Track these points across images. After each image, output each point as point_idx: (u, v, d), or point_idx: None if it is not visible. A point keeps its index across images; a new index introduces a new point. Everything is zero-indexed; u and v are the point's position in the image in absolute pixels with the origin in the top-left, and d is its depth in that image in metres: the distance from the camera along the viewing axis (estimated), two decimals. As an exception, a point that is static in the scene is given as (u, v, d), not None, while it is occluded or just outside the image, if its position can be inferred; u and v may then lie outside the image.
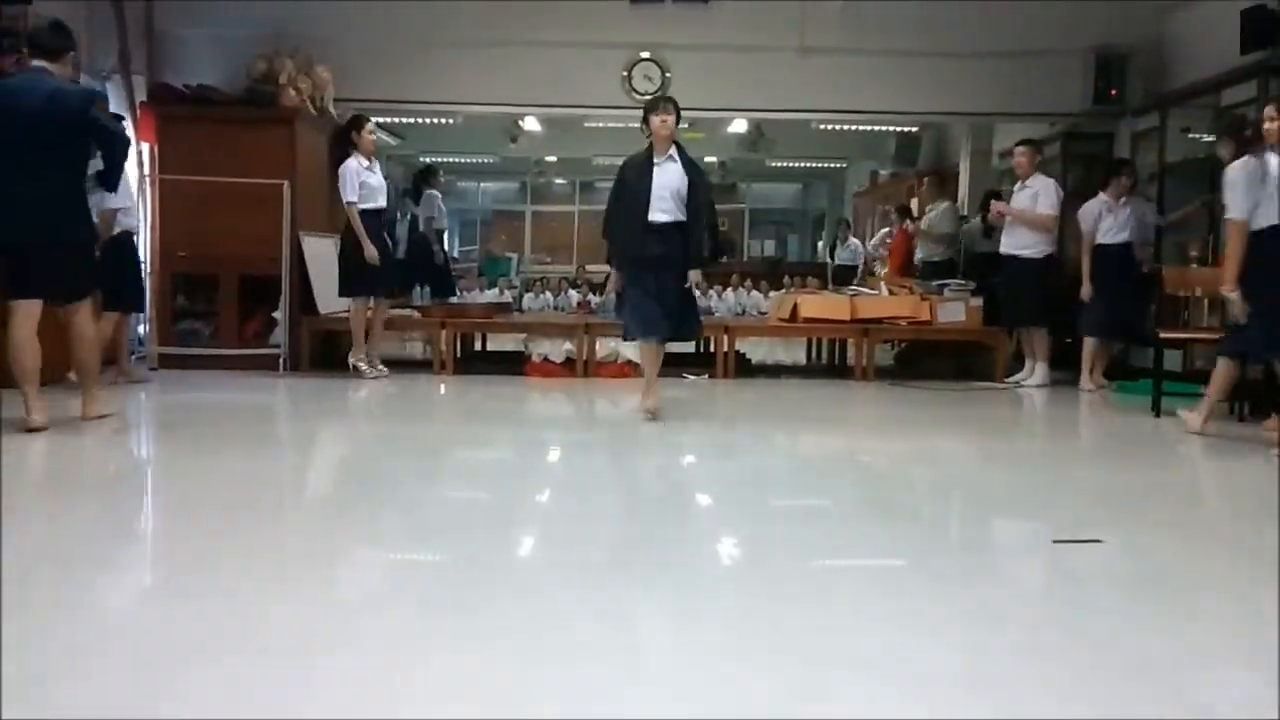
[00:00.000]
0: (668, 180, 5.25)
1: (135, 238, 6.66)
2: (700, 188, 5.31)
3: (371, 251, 6.87)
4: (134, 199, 6.58)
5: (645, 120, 5.38)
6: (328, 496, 4.03)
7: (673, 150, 5.31)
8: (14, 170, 4.44)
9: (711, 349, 7.92)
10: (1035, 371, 7.36)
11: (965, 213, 9.99)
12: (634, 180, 5.30)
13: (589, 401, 6.72)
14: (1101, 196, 7.24)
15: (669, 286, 5.24)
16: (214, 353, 7.09)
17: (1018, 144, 7.64)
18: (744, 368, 8.10)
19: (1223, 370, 5.16)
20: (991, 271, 7.78)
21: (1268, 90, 6.79)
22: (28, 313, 4.57)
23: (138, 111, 7.77)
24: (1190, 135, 7.78)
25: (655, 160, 5.28)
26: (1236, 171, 4.91)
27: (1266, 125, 5.14)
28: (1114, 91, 8.40)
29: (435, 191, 9.76)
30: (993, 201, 7.79)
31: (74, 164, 4.60)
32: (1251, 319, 4.85)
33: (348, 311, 7.26)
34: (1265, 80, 6.83)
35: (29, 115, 4.44)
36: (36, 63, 4.63)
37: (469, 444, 5.24)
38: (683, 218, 5.26)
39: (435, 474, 4.29)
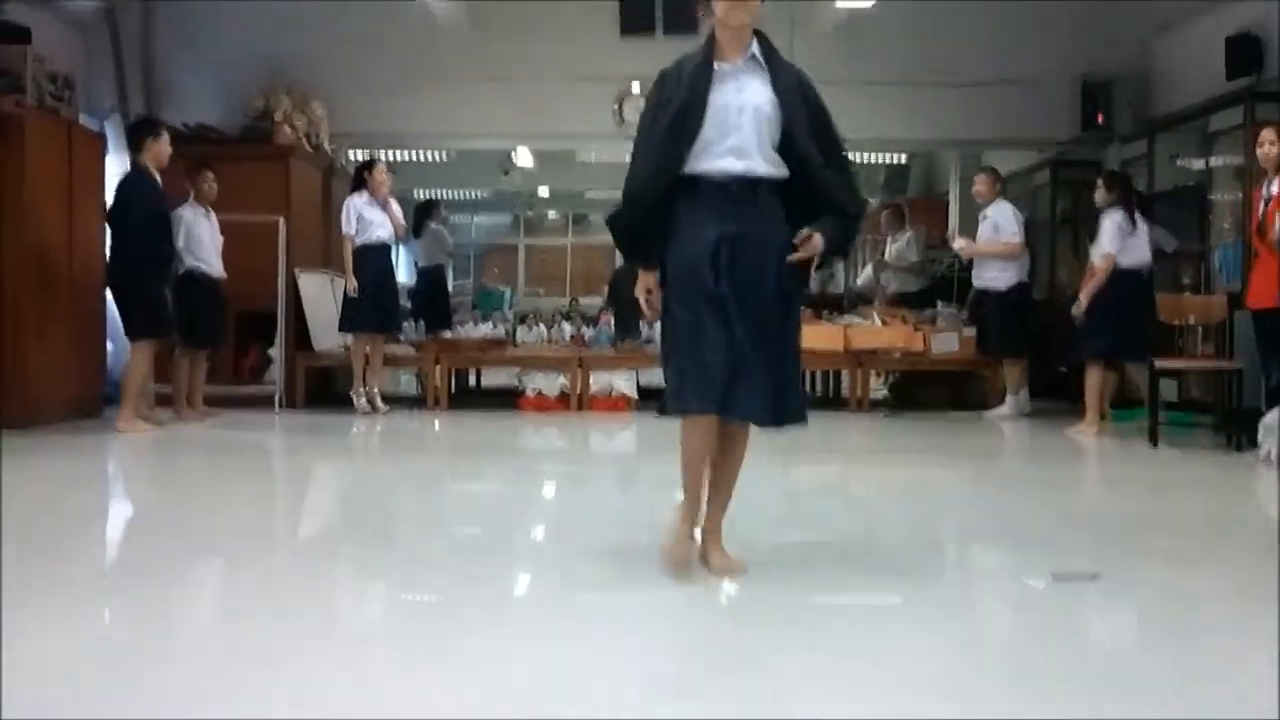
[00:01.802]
0: (748, 100, 2.84)
1: (210, 277, 6.65)
2: (820, 115, 2.93)
3: (353, 284, 6.95)
4: (198, 239, 6.59)
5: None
6: (318, 533, 4.02)
7: (754, 47, 2.90)
8: None
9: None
10: (1006, 402, 7.34)
11: (949, 235, 10.02)
12: (684, 103, 2.83)
13: (583, 436, 6.71)
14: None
15: (755, 309, 2.81)
16: (209, 390, 7.07)
17: (979, 171, 7.70)
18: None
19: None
20: (980, 301, 7.80)
21: (1254, 115, 6.86)
22: None
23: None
24: (1179, 161, 7.84)
25: (717, 64, 2.88)
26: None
27: (1265, 149, 5.23)
28: (1101, 118, 8.48)
29: (440, 227, 9.80)
30: (957, 243, 7.80)
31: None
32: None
33: (345, 347, 7.29)
34: (1251, 106, 6.90)
35: None
36: None
37: (462, 479, 5.22)
38: (780, 172, 2.87)
39: (428, 511, 4.28)
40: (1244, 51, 7.13)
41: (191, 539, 3.50)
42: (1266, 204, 5.35)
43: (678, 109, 2.83)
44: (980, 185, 7.52)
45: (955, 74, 8.58)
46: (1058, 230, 9.20)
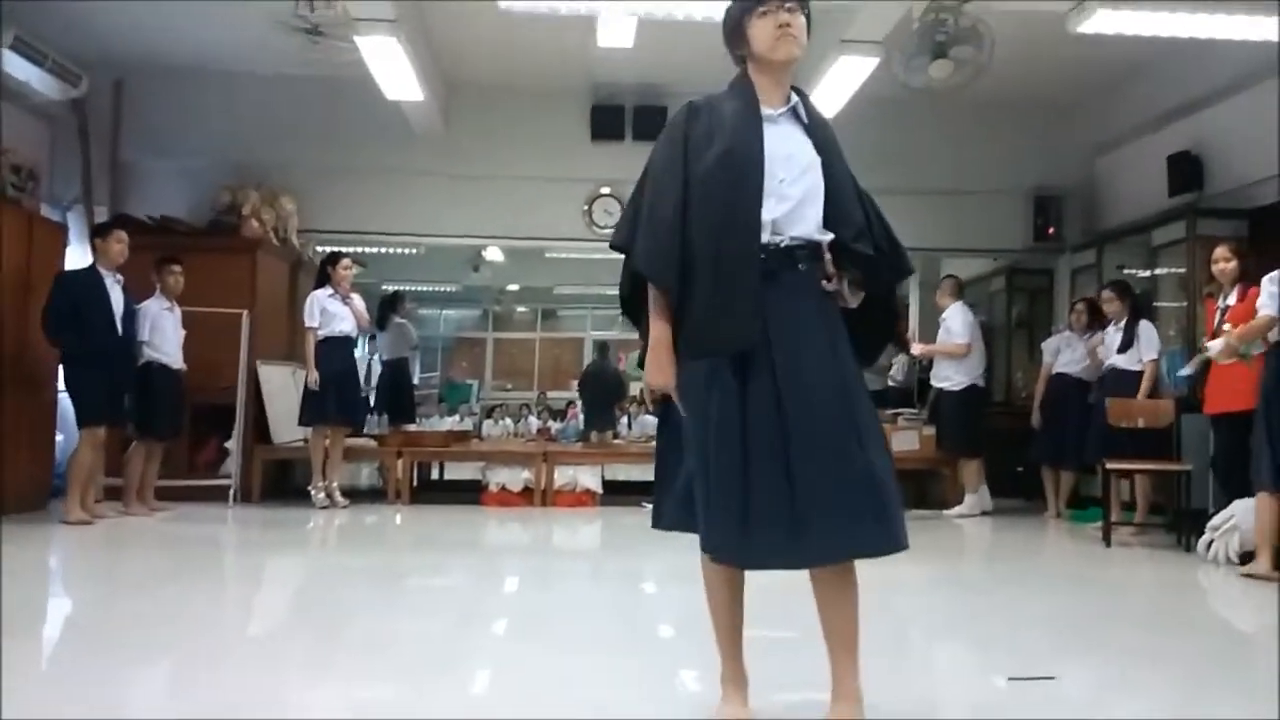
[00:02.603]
0: (793, 151, 2.39)
1: (169, 369, 6.68)
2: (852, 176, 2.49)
3: (314, 376, 6.99)
4: (161, 331, 6.66)
5: (735, 31, 2.44)
6: (266, 632, 3.95)
7: (795, 99, 2.46)
8: None
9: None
10: (965, 501, 7.45)
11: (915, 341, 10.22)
12: (723, 143, 2.33)
13: (546, 532, 6.67)
14: (1064, 330, 7.57)
15: (814, 402, 2.25)
16: (162, 484, 6.97)
17: (943, 280, 8.01)
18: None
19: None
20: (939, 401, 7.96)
21: (1195, 230, 7.16)
22: None
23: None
24: (1125, 271, 8.11)
25: (762, 111, 2.39)
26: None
27: (1220, 265, 5.53)
28: (1051, 230, 8.83)
29: (405, 320, 9.87)
30: (915, 347, 8.01)
31: None
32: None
33: (305, 440, 7.27)
34: (1193, 221, 7.20)
35: None
36: None
37: (421, 574, 5.17)
38: (822, 237, 2.39)
39: (382, 609, 4.23)
40: (1184, 170, 7.48)
41: (127, 638, 3.44)
42: (1222, 315, 5.59)
43: (727, 157, 2.30)
44: (941, 292, 7.78)
45: (915, 184, 8.88)
46: (1013, 334, 9.46)
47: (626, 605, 4.41)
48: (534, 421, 13.88)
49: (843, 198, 2.42)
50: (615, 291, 2.56)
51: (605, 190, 8.82)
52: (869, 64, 6.87)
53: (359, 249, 10.34)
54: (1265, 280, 5.21)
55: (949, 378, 7.51)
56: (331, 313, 7.16)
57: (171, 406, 6.74)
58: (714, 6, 5.83)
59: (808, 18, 2.42)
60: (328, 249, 7.89)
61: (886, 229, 2.49)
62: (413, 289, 15.61)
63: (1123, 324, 6.77)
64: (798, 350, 2.27)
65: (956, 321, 7.52)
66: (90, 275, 6.28)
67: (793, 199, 2.35)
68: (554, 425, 12.49)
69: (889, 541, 2.23)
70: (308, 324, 7.13)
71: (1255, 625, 4.35)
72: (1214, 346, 5.49)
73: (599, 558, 5.81)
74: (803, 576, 2.39)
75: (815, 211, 2.38)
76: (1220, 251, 5.67)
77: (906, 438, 7.94)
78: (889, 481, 2.25)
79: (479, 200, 8.68)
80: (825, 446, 2.22)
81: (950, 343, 7.50)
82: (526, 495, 7.60)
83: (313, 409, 7.11)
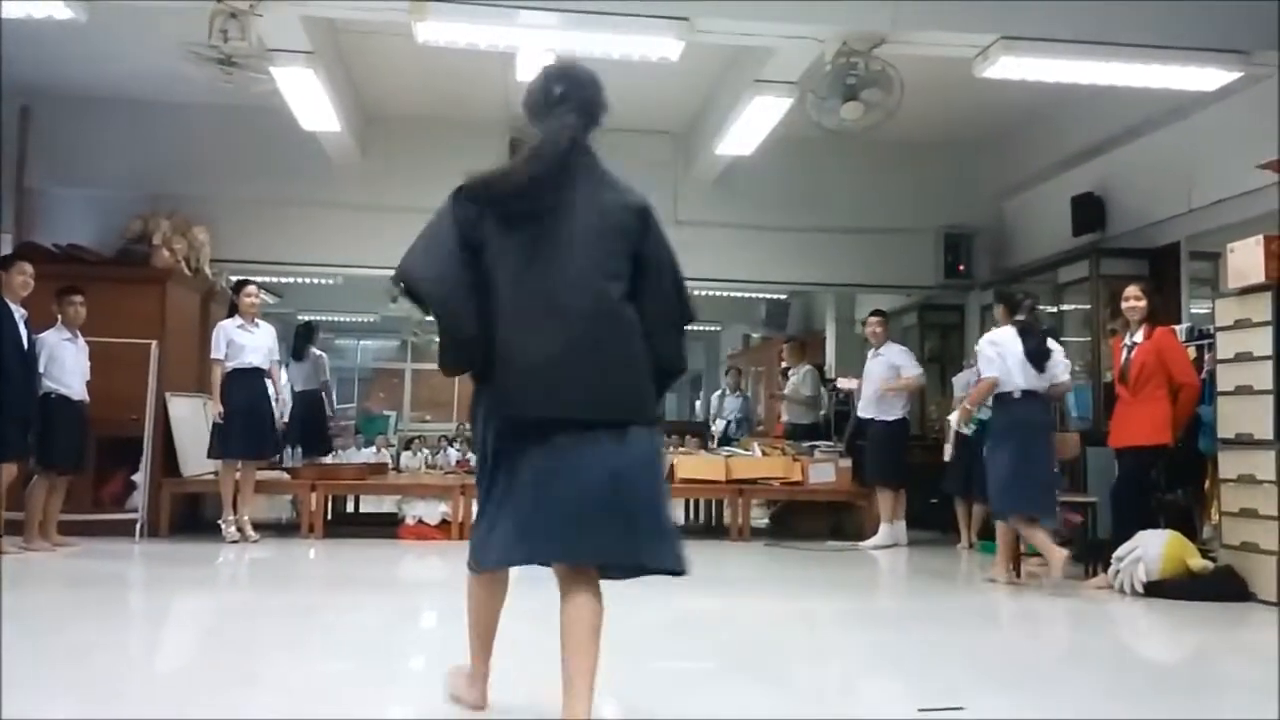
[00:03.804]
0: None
1: (70, 400, 6.48)
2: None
3: (218, 408, 6.86)
4: (59, 362, 6.46)
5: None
6: (173, 672, 3.83)
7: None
8: None
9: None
10: (880, 532, 7.55)
11: (832, 376, 10.41)
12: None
13: (461, 566, 6.58)
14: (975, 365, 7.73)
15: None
16: (65, 518, 6.72)
17: (871, 314, 8.13)
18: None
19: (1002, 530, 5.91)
20: (858, 434, 8.09)
21: (1099, 269, 7.44)
22: None
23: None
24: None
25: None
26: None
27: (1130, 304, 5.75)
28: (961, 267, 9.08)
29: (320, 351, 9.70)
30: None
31: None
32: (1020, 478, 5.60)
33: (215, 474, 7.10)
34: (1096, 260, 7.48)
35: None
36: None
37: (335, 611, 5.06)
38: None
39: (297, 647, 4.13)
40: (1087, 210, 7.77)
41: (26, 678, 3.31)
42: (1129, 351, 5.81)
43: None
44: (876, 327, 7.89)
45: (830, 222, 9.09)
46: (925, 368, 9.64)
47: (547, 641, 4.36)
48: (453, 453, 13.70)
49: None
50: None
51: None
52: (783, 104, 7.02)
53: (275, 279, 10.18)
54: (983, 343, 5.89)
55: (886, 411, 7.63)
56: (240, 344, 7.02)
57: (73, 438, 6.52)
58: (632, 42, 5.94)
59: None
60: (239, 278, 7.73)
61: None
62: (330, 319, 15.40)
63: None
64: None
65: (905, 359, 7.74)
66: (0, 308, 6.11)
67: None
68: (472, 457, 12.34)
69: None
70: (214, 356, 7.00)
71: (1164, 654, 4.51)
72: (953, 419, 6.32)
73: (518, 593, 5.74)
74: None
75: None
76: (1131, 290, 5.90)
77: (823, 470, 8.06)
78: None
79: (397, 231, 8.33)
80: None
81: (911, 378, 7.68)
82: (444, 529, 7.50)
83: (220, 443, 6.96)
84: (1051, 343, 5.83)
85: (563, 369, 2.47)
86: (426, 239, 2.69)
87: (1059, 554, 5.49)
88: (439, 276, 2.59)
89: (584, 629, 2.54)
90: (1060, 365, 5.81)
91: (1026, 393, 5.68)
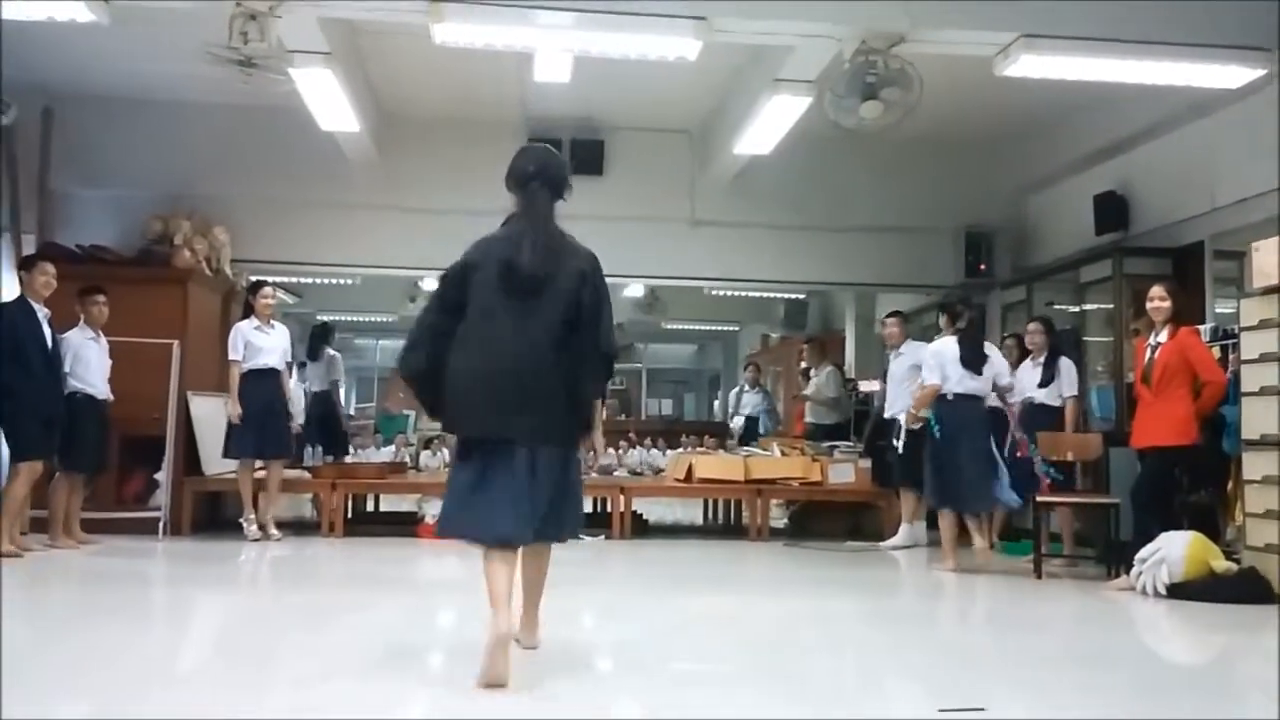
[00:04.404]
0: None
1: (94, 399, 6.53)
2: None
3: (235, 409, 6.90)
4: (84, 362, 6.51)
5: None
6: (195, 670, 3.85)
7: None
8: None
9: (608, 508, 7.89)
10: (900, 532, 7.49)
11: (852, 375, 10.37)
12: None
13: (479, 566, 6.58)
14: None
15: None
16: (88, 515, 6.79)
17: (888, 315, 8.05)
18: (641, 528, 8.09)
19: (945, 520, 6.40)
20: (878, 434, 8.03)
21: (1122, 268, 7.38)
22: None
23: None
24: (1055, 307, 8.32)
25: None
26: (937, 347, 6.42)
27: (1155, 304, 5.69)
28: (982, 266, 9.02)
29: (335, 352, 9.74)
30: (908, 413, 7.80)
31: None
32: (946, 474, 6.21)
33: (235, 473, 7.16)
34: (1119, 260, 7.41)
35: None
36: None
37: (355, 610, 5.07)
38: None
39: (310, 646, 4.14)
40: (1110, 209, 7.71)
41: (50, 676, 3.33)
42: (1153, 352, 5.75)
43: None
44: (893, 328, 7.81)
45: (850, 221, 9.05)
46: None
47: (562, 638, 4.37)
48: (472, 452, 13.72)
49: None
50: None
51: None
52: (802, 103, 6.99)
53: (294, 279, 10.24)
54: (926, 352, 6.43)
55: (908, 409, 7.54)
56: (257, 346, 7.06)
57: (96, 437, 6.58)
58: (649, 42, 5.93)
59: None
60: (255, 278, 7.77)
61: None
62: (349, 319, 15.46)
63: (1042, 360, 6.92)
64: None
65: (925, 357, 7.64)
66: (24, 307, 6.17)
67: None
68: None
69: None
70: (231, 357, 7.05)
71: (1187, 656, 4.47)
72: (902, 419, 6.86)
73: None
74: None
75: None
76: (1156, 290, 5.81)
77: (842, 470, 8.02)
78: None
79: (414, 231, 8.62)
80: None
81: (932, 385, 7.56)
82: (463, 528, 7.49)
83: (235, 442, 7.01)
84: (989, 347, 6.50)
85: (509, 411, 3.30)
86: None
87: (980, 542, 6.31)
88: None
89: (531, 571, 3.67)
90: (999, 367, 6.44)
91: (960, 395, 6.26)
